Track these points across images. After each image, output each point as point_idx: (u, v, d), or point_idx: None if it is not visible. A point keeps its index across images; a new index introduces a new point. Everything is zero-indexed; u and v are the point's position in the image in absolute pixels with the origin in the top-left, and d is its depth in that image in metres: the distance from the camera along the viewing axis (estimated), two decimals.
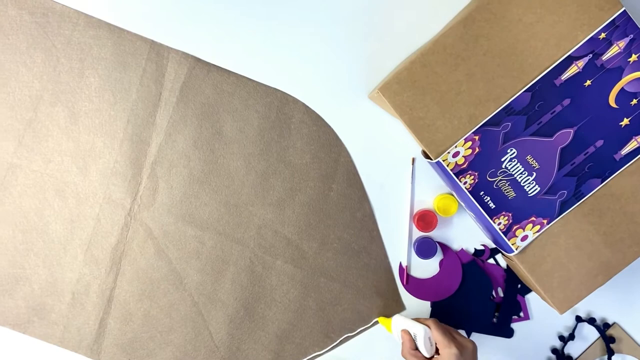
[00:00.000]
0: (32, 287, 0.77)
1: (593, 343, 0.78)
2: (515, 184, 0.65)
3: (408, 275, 0.77)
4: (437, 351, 0.67)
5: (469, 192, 0.66)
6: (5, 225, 0.76)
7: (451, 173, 0.65)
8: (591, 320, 0.76)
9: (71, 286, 0.77)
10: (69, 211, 0.76)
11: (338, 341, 0.77)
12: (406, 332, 0.69)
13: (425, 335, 0.66)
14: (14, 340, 0.78)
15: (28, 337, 0.78)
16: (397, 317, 0.72)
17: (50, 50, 0.75)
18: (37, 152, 0.76)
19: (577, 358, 0.78)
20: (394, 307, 0.77)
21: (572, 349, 0.78)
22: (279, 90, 0.75)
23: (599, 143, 0.64)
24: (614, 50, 0.63)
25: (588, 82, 0.63)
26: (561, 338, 0.77)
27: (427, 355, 0.66)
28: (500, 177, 0.66)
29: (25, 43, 0.74)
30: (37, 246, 0.77)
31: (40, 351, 0.78)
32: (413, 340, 0.68)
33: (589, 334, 0.78)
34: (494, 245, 0.76)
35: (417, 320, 0.69)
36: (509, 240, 0.67)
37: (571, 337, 0.77)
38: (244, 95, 0.75)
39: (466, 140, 0.64)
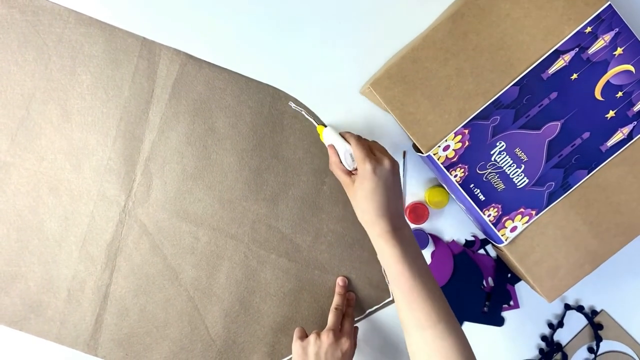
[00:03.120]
0: (28, 285, 0.78)
1: (581, 330, 0.79)
2: (504, 176, 0.67)
3: None
4: None
5: (459, 184, 0.67)
6: (0, 224, 0.77)
7: (442, 166, 0.67)
8: (579, 308, 0.78)
9: (67, 283, 0.78)
10: (63, 208, 0.77)
11: None
12: (332, 147, 0.70)
13: (346, 152, 0.67)
14: (11, 337, 0.78)
15: (25, 334, 0.78)
16: (327, 130, 0.72)
17: (41, 48, 0.75)
18: (30, 150, 0.76)
19: (566, 345, 0.79)
20: (386, 298, 0.78)
21: (561, 335, 0.80)
22: (271, 86, 0.76)
23: (586, 135, 0.66)
24: (599, 44, 0.64)
25: (574, 76, 0.64)
26: (550, 325, 0.79)
27: (349, 169, 0.67)
28: (489, 170, 0.67)
29: (16, 41, 0.74)
30: (32, 244, 0.77)
31: (38, 348, 0.79)
32: (338, 154, 0.69)
33: (577, 321, 0.79)
34: (484, 236, 0.77)
35: (344, 135, 0.69)
36: (498, 231, 0.68)
37: (560, 324, 0.79)
38: (236, 91, 0.75)
39: (456, 134, 0.66)
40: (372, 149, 0.65)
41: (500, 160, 0.66)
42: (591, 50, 0.64)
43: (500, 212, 0.68)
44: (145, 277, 0.77)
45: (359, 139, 0.66)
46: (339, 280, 0.77)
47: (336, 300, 0.76)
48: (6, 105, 0.75)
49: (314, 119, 0.76)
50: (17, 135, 0.76)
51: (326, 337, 0.69)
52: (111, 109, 0.75)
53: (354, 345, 0.73)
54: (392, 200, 0.62)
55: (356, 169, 0.66)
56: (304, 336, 0.73)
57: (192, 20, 0.74)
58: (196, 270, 0.77)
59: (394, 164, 0.64)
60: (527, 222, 0.67)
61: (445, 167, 0.67)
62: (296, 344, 0.71)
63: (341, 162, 0.68)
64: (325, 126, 0.74)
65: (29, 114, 0.75)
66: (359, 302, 0.78)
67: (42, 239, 0.77)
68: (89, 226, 0.77)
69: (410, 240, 0.62)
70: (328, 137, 0.71)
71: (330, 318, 0.73)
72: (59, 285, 0.78)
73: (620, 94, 0.65)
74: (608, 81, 0.65)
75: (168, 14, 0.74)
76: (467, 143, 0.66)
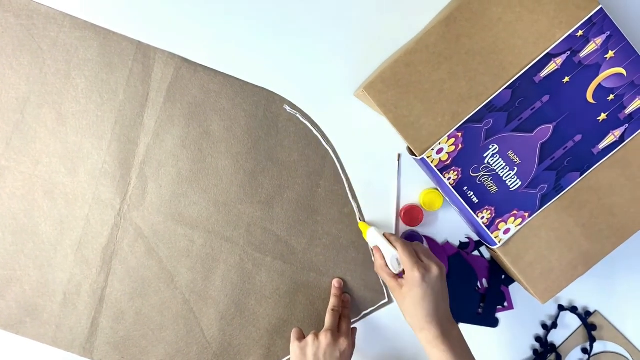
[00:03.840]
0: (24, 288, 0.78)
1: (575, 331, 0.80)
2: (497, 179, 0.67)
3: None
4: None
5: (452, 187, 0.68)
6: None
7: (435, 169, 0.67)
8: (573, 309, 0.79)
9: (62, 286, 0.78)
10: (58, 212, 0.77)
11: None
12: (377, 249, 0.72)
13: (392, 257, 0.68)
14: (7, 341, 0.78)
15: (21, 337, 0.78)
16: (371, 231, 0.74)
17: (36, 52, 0.75)
18: (25, 154, 0.76)
19: (560, 345, 0.80)
20: (381, 299, 0.79)
21: (555, 337, 0.80)
22: (266, 89, 0.76)
23: (578, 138, 0.66)
24: (591, 47, 0.64)
25: (566, 79, 0.65)
26: (544, 326, 0.80)
27: (396, 273, 0.69)
28: (482, 173, 0.67)
29: (11, 45, 0.74)
30: (27, 247, 0.77)
31: (34, 351, 0.79)
32: (384, 257, 0.70)
33: (571, 322, 0.80)
34: (478, 238, 0.78)
35: (389, 238, 0.71)
36: (492, 233, 0.68)
37: (554, 325, 0.79)
38: (231, 94, 0.76)
39: (449, 137, 0.66)
40: (418, 254, 0.67)
41: (493, 163, 0.67)
42: (583, 54, 0.64)
43: (493, 215, 0.68)
44: (141, 280, 0.78)
45: (405, 245, 0.68)
46: (335, 282, 0.77)
47: (332, 301, 0.76)
48: (1, 109, 0.75)
49: (309, 123, 0.76)
50: (12, 139, 0.76)
51: (324, 338, 0.70)
52: (106, 112, 0.76)
53: (352, 346, 0.73)
54: (440, 305, 0.65)
55: (403, 272, 0.68)
56: (301, 337, 0.73)
57: (186, 24, 0.75)
58: (192, 273, 0.77)
59: (442, 269, 0.66)
60: (520, 225, 0.68)
61: (438, 170, 0.67)
62: (294, 345, 0.71)
63: (387, 265, 0.70)
64: (370, 226, 0.75)
65: (23, 117, 0.75)
66: (354, 304, 0.79)
67: (38, 243, 0.77)
68: (85, 229, 0.77)
69: (460, 342, 0.65)
70: (372, 238, 0.73)
71: (328, 319, 0.74)
72: (55, 289, 0.78)
73: (611, 96, 0.65)
74: (600, 84, 0.65)
75: (163, 17, 0.75)
76: (460, 146, 0.66)
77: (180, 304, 0.78)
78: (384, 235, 0.72)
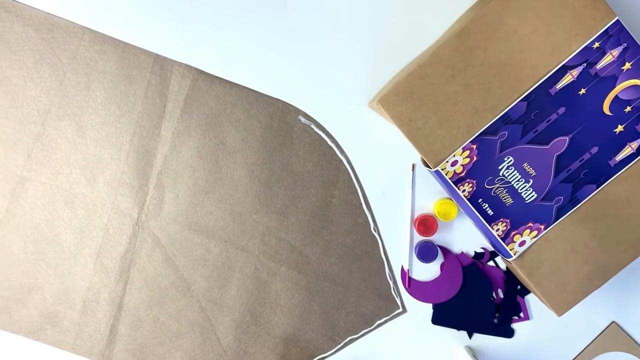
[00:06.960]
0: (44, 296, 0.79)
1: (594, 340, 0.79)
2: (512, 191, 0.67)
3: (410, 278, 0.79)
4: None
5: (467, 199, 0.68)
6: (17, 237, 0.78)
7: (450, 181, 0.67)
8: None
9: (82, 294, 0.79)
10: (78, 222, 0.78)
11: (342, 344, 0.79)
12: None
13: None
14: (28, 348, 0.80)
15: (41, 344, 0.80)
16: None
17: (56, 65, 0.76)
18: (46, 164, 0.78)
19: (578, 355, 0.79)
20: (395, 309, 0.79)
21: (572, 345, 0.79)
22: (281, 100, 0.77)
23: (594, 150, 0.66)
24: (607, 59, 0.64)
25: (583, 91, 0.64)
26: None
27: None
28: (497, 185, 0.67)
29: (32, 59, 0.76)
30: (48, 256, 0.79)
31: (54, 358, 0.80)
32: None
33: (590, 331, 0.79)
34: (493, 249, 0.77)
35: None
36: (507, 245, 0.68)
37: None
38: (246, 105, 0.77)
39: (464, 149, 0.66)
40: None
41: (509, 175, 0.67)
42: (599, 66, 0.64)
43: (508, 227, 0.68)
44: (158, 288, 0.79)
45: None
46: None
47: None
48: (22, 121, 0.77)
49: (324, 133, 0.77)
50: (34, 150, 0.77)
51: None
52: (124, 124, 0.77)
53: None
54: None
55: None
56: None
57: (203, 37, 0.76)
58: (208, 281, 0.79)
59: None
60: (535, 237, 0.68)
61: (453, 182, 0.67)
62: None
63: None
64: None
65: (44, 129, 0.77)
66: (367, 314, 0.79)
67: (58, 252, 0.79)
68: (104, 239, 0.79)
69: None
70: None
71: None
72: (75, 297, 0.79)
73: (628, 108, 0.65)
74: (616, 96, 0.64)
75: (179, 31, 0.76)
76: (475, 158, 0.66)
77: (197, 312, 0.79)
78: None
